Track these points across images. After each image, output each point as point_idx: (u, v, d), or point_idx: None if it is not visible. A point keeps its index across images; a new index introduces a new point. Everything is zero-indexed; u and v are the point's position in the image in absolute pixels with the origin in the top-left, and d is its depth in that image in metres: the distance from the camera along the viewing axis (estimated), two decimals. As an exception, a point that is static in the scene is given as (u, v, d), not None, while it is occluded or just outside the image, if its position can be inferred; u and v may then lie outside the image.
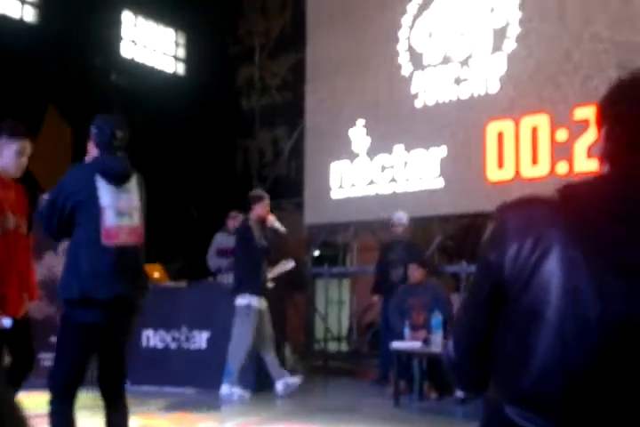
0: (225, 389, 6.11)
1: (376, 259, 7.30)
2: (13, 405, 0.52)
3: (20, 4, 10.55)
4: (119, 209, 3.25)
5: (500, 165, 7.58)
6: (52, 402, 3.15)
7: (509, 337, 1.20)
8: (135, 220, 3.31)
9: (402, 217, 7.06)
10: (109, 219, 3.20)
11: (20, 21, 10.58)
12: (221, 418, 5.39)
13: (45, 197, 3.81)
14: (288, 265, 6.62)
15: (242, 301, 6.20)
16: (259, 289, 6.23)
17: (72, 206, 3.20)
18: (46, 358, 6.31)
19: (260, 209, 6.38)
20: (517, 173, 7.40)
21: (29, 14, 10.69)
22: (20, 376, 3.66)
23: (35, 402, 3.37)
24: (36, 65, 9.95)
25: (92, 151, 3.38)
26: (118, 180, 3.27)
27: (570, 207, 1.19)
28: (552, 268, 1.14)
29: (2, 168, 3.63)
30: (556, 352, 1.13)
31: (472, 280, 1.31)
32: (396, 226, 7.01)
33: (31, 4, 10.66)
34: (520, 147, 7.51)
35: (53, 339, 5.71)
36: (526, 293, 1.16)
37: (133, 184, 3.37)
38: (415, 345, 5.92)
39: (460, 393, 5.56)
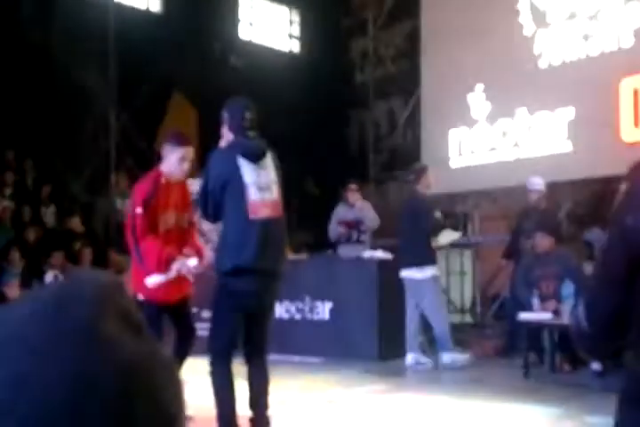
0: (446, 357, 6.07)
1: (498, 228, 6.97)
2: (171, 369, 0.53)
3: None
4: (260, 185, 3.47)
5: (637, 124, 6.97)
6: (213, 363, 3.40)
7: None
8: (274, 194, 3.52)
9: (536, 182, 6.60)
10: (253, 194, 3.43)
11: (147, 12, 10.99)
12: (349, 384, 5.37)
13: (194, 182, 4.31)
14: (455, 235, 6.48)
15: (428, 272, 6.19)
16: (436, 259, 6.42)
17: (220, 187, 3.46)
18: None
19: (429, 179, 6.39)
20: (656, 131, 6.79)
21: (155, 4, 11.07)
22: (183, 349, 3.97)
23: (190, 367, 3.73)
24: (162, 53, 10.31)
25: (227, 135, 3.57)
26: (256, 158, 3.48)
27: None
28: None
29: (168, 172, 3.94)
30: None
31: (605, 247, 1.22)
32: (531, 192, 6.57)
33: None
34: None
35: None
36: None
37: (269, 160, 3.57)
38: (545, 316, 5.60)
39: (596, 366, 5.20)
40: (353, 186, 7.40)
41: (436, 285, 6.37)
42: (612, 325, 1.21)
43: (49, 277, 7.51)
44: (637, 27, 7.27)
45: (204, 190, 3.53)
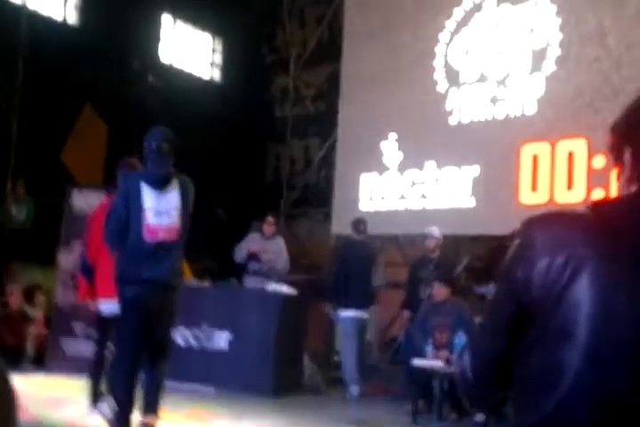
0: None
1: (400, 275, 7.21)
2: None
3: (62, 6, 10.67)
4: (158, 210, 3.90)
5: (534, 188, 7.49)
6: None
7: (535, 357, 1.13)
8: (174, 218, 3.96)
9: (435, 230, 6.95)
10: (150, 218, 3.89)
11: (63, 23, 10.71)
12: (238, 417, 5.33)
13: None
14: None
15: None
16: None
17: (125, 212, 3.95)
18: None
19: None
20: (551, 197, 7.31)
21: (72, 16, 10.81)
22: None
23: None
24: (76, 65, 10.07)
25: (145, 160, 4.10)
26: (158, 185, 3.93)
27: (602, 224, 1.13)
28: (584, 286, 1.09)
29: None
30: (587, 376, 1.07)
31: (493, 298, 1.25)
32: (429, 239, 6.89)
33: (74, 6, 10.78)
34: (555, 171, 7.42)
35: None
36: (556, 311, 1.10)
37: (175, 187, 4.00)
38: (436, 364, 5.82)
39: (479, 417, 5.44)
40: (271, 219, 7.43)
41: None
42: (494, 374, 1.23)
43: None
44: (540, 95, 7.85)
45: (115, 215, 4.03)
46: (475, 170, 8.05)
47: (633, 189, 1.18)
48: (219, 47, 12.65)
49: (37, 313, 7.66)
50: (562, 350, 1.09)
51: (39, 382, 6.27)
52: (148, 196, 3.92)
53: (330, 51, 10.69)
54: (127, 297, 4.02)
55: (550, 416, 1.08)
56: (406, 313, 7.04)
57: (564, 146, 7.43)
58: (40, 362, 7.11)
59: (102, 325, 4.94)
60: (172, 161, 4.06)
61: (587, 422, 1.06)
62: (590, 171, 7.11)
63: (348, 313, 6.82)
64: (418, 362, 5.94)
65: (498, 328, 1.21)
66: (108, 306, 4.57)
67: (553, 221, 1.20)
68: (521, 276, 1.15)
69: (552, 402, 1.08)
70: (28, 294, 7.72)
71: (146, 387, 4.12)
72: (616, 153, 1.25)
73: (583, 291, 1.09)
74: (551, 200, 7.27)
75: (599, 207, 1.20)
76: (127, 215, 3.94)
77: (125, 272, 4.01)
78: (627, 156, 1.22)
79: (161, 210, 3.93)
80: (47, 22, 10.38)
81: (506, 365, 1.19)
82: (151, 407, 4.10)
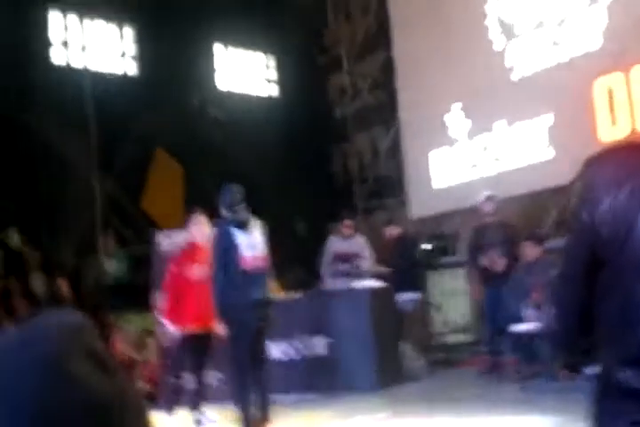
0: None
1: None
2: (141, 409, 0.58)
3: (120, 59, 11.56)
4: (248, 245, 5.15)
5: (613, 122, 7.28)
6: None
7: (614, 297, 1.18)
8: (260, 251, 5.22)
9: (488, 195, 6.92)
10: (244, 251, 5.12)
11: (124, 76, 11.61)
12: (350, 414, 5.60)
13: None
14: None
15: None
16: None
17: (224, 252, 5.17)
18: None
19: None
20: (633, 128, 7.08)
21: (130, 67, 11.69)
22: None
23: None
24: (141, 113, 10.86)
25: (223, 211, 5.30)
26: (243, 226, 5.20)
27: None
28: None
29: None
30: None
31: (566, 245, 1.30)
32: (485, 204, 6.86)
33: (132, 57, 11.65)
34: (633, 99, 7.19)
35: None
36: (627, 246, 1.14)
37: (254, 226, 5.28)
38: (539, 326, 5.77)
39: (590, 369, 5.32)
40: (348, 222, 7.77)
41: None
42: (579, 321, 1.27)
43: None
44: (603, 29, 7.65)
45: (218, 261, 5.22)
46: (548, 119, 7.94)
47: None
48: (272, 63, 13.27)
49: (150, 357, 8.22)
50: (637, 286, 1.13)
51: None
52: (239, 235, 5.17)
53: (379, 39, 10.95)
54: (238, 319, 5.09)
55: (638, 353, 1.12)
56: (472, 286, 7.05)
57: (639, 72, 7.19)
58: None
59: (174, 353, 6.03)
60: (245, 206, 5.30)
61: None
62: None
63: None
64: (517, 328, 5.94)
65: (576, 276, 1.27)
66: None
67: (609, 157, 1.25)
68: (587, 218, 1.19)
69: (637, 340, 1.13)
70: (140, 342, 8.34)
71: (257, 402, 5.14)
72: None
73: None
74: (633, 131, 7.03)
75: None
76: (225, 257, 5.14)
77: (232, 298, 5.08)
78: None
79: (250, 244, 5.17)
80: (109, 79, 11.30)
81: (588, 310, 1.24)
82: (265, 418, 5.11)
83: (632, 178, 1.15)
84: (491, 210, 6.86)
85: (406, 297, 7.37)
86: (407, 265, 7.49)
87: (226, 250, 5.18)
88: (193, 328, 5.71)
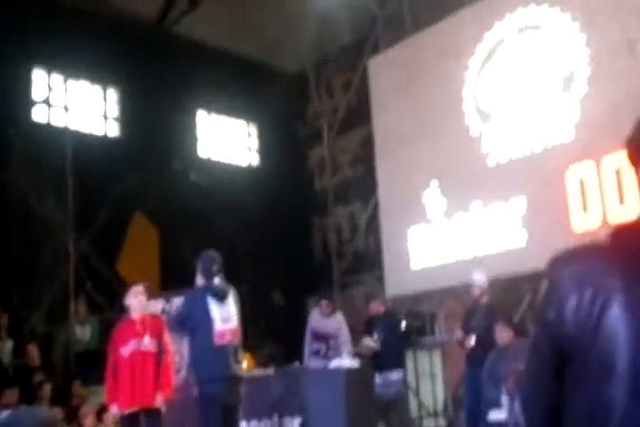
0: None
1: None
2: None
3: (102, 120, 11.70)
4: (223, 317, 5.06)
5: (585, 209, 7.58)
6: None
7: (581, 396, 1.18)
8: (234, 323, 5.15)
9: (477, 278, 7.11)
10: (218, 325, 5.03)
11: (104, 137, 11.70)
12: None
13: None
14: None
15: None
16: None
17: (191, 322, 5.13)
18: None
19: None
20: (604, 218, 7.36)
21: (112, 129, 11.81)
22: None
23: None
24: (121, 175, 10.93)
25: (199, 278, 5.27)
26: (221, 298, 5.13)
27: (625, 251, 1.19)
28: (617, 317, 1.14)
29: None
30: (635, 405, 1.11)
31: (532, 342, 1.30)
32: (473, 287, 7.06)
33: (114, 118, 11.81)
34: (604, 190, 7.50)
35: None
36: (594, 346, 1.15)
37: (231, 298, 5.22)
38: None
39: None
40: (324, 302, 7.57)
41: None
42: (546, 419, 1.26)
43: (2, 416, 7.59)
44: (576, 120, 8.02)
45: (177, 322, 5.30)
46: (522, 203, 8.22)
47: None
48: (253, 131, 13.52)
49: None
50: (605, 387, 1.13)
51: None
52: (214, 307, 5.09)
53: (360, 114, 11.31)
54: (211, 394, 4.99)
55: None
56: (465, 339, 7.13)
57: (610, 161, 7.51)
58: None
59: None
60: (223, 275, 5.30)
61: None
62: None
63: None
64: (495, 415, 5.98)
65: (541, 373, 1.25)
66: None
67: (576, 256, 1.25)
68: (554, 317, 1.20)
69: None
70: (99, 415, 8.14)
71: None
72: (634, 166, 1.30)
73: (616, 321, 1.13)
74: (605, 221, 7.30)
75: (619, 233, 1.24)
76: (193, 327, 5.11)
77: (204, 373, 5.01)
78: None
79: (224, 317, 5.11)
80: (90, 139, 11.36)
81: (556, 408, 1.23)
82: None
83: (595, 279, 1.18)
84: (479, 294, 7.03)
85: (393, 377, 7.33)
86: (394, 342, 7.47)
87: (197, 321, 5.09)
88: (130, 407, 5.49)
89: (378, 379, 7.34)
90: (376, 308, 7.75)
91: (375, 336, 7.37)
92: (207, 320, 5.06)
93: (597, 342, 1.14)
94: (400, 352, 7.62)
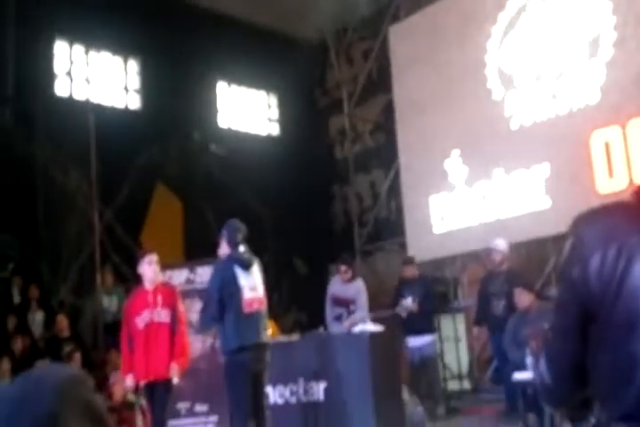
0: None
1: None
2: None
3: (124, 93, 11.74)
4: (250, 286, 5.16)
5: (611, 174, 7.50)
6: None
7: (606, 353, 1.21)
8: (260, 292, 5.27)
9: (499, 244, 7.10)
10: (246, 294, 5.13)
11: (126, 109, 11.76)
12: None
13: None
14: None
15: None
16: None
17: (220, 291, 5.13)
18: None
19: None
20: (631, 181, 7.29)
21: (133, 101, 11.85)
22: None
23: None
24: (143, 147, 11.00)
25: (224, 248, 5.31)
26: (247, 267, 5.21)
27: None
28: None
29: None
30: None
31: (557, 300, 1.33)
32: (494, 253, 7.05)
33: (134, 91, 11.84)
34: (630, 153, 7.42)
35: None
36: (618, 303, 1.18)
37: (256, 267, 5.32)
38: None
39: (592, 420, 5.41)
40: (343, 267, 7.54)
41: None
42: (573, 376, 1.29)
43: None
44: (601, 83, 7.92)
45: (211, 297, 5.15)
46: (545, 169, 8.15)
47: None
48: (274, 102, 13.50)
49: (143, 400, 8.12)
50: (629, 343, 1.17)
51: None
52: (241, 276, 5.17)
53: (380, 83, 11.24)
54: (240, 362, 5.07)
55: (633, 407, 1.16)
56: (476, 330, 7.16)
57: (636, 125, 7.43)
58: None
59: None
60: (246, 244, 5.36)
61: None
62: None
63: None
64: (519, 376, 6.00)
65: (567, 331, 1.29)
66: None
67: (599, 215, 1.29)
68: (577, 275, 1.23)
69: (632, 394, 1.17)
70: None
71: None
72: None
73: None
74: (631, 184, 7.23)
75: None
76: (222, 296, 5.11)
77: (233, 341, 5.07)
78: None
79: (251, 286, 5.20)
80: (111, 111, 11.41)
81: (581, 365, 1.27)
82: None
83: (619, 236, 1.20)
84: (499, 260, 7.02)
85: (427, 340, 7.45)
86: (429, 307, 7.56)
87: (226, 290, 5.13)
88: (145, 378, 5.46)
89: (413, 341, 7.40)
90: (411, 271, 7.72)
91: (410, 299, 7.38)
92: (236, 289, 5.12)
93: (621, 298, 1.17)
94: (432, 317, 7.68)
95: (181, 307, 5.67)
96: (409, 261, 7.94)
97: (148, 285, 5.59)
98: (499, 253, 7.02)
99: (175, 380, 5.49)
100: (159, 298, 5.55)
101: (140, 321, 5.49)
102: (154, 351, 5.42)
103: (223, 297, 5.13)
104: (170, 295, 5.62)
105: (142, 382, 5.48)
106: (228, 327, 5.12)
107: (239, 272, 5.17)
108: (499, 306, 6.83)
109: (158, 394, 5.43)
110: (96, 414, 0.57)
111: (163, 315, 5.51)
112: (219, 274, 5.24)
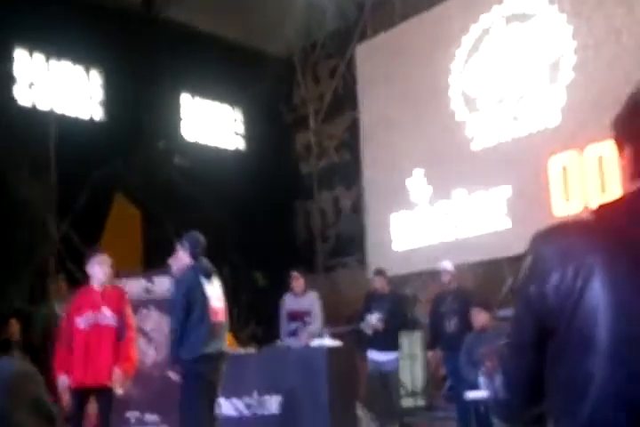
0: None
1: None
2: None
3: (87, 104, 11.61)
4: (217, 296, 5.20)
5: (567, 198, 7.69)
6: None
7: (562, 369, 1.21)
8: (223, 302, 5.29)
9: (446, 265, 7.24)
10: (214, 303, 5.16)
11: (90, 121, 11.59)
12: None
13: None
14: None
15: None
16: None
17: (188, 299, 5.09)
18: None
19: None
20: (586, 205, 7.47)
21: (97, 112, 11.72)
22: None
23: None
24: (106, 158, 10.86)
25: (185, 258, 5.28)
26: (209, 276, 5.24)
27: (607, 228, 1.21)
28: (598, 291, 1.17)
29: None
30: (614, 376, 1.14)
31: (514, 316, 1.32)
32: (443, 274, 7.19)
33: (99, 102, 11.72)
34: (587, 177, 7.61)
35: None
36: (575, 320, 1.18)
37: (216, 279, 5.32)
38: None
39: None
40: (294, 273, 7.68)
41: None
42: (528, 391, 1.29)
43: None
44: (561, 106, 8.14)
45: (179, 305, 5.10)
46: (506, 191, 8.31)
47: (635, 186, 1.25)
48: (239, 116, 13.48)
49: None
50: (585, 359, 1.16)
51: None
52: (207, 286, 5.18)
53: (346, 100, 11.36)
54: (199, 371, 5.03)
55: (586, 425, 1.15)
56: (430, 354, 7.25)
57: (593, 151, 7.63)
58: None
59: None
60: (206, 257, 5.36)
61: (622, 426, 1.13)
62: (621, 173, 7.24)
63: None
64: (472, 395, 6.06)
65: (523, 345, 1.28)
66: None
67: (558, 233, 1.27)
68: (535, 291, 1.23)
69: (586, 411, 1.16)
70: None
71: None
72: (619, 148, 1.31)
73: (597, 296, 1.17)
74: (586, 208, 7.42)
75: (601, 211, 1.25)
76: (189, 303, 5.08)
77: (198, 349, 5.03)
78: (627, 151, 1.29)
79: (216, 296, 5.22)
80: (75, 122, 11.24)
81: (537, 380, 1.26)
82: None
83: (577, 256, 1.20)
84: (448, 280, 7.15)
85: (388, 357, 7.37)
86: (396, 324, 7.43)
87: (192, 298, 5.10)
88: (81, 384, 5.01)
89: (375, 356, 7.40)
90: (381, 283, 7.59)
91: (376, 315, 7.34)
92: (203, 298, 5.12)
93: (578, 315, 1.18)
94: (397, 334, 7.64)
95: (129, 311, 5.32)
96: (379, 272, 7.73)
97: (95, 285, 5.22)
98: (447, 274, 7.17)
99: (117, 388, 5.05)
100: (106, 299, 5.18)
101: (82, 322, 5.08)
102: (94, 356, 5.02)
103: (190, 304, 5.10)
104: (118, 299, 5.28)
105: (74, 387, 4.98)
106: (193, 335, 5.07)
107: (205, 282, 5.18)
108: (450, 324, 6.93)
109: (102, 402, 5.05)
110: (46, 411, 0.57)
111: (109, 318, 5.14)
112: (185, 282, 5.21)
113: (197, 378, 5.06)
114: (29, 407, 0.56)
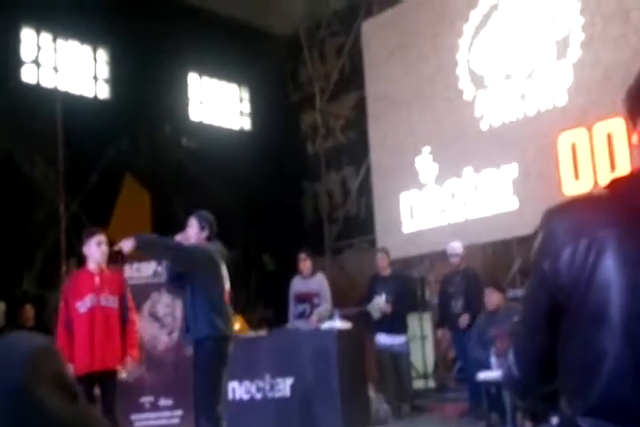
0: None
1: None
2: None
3: (93, 82, 11.56)
4: (226, 277, 5.04)
5: (577, 176, 7.62)
6: None
7: (574, 346, 1.21)
8: (228, 284, 5.11)
9: (456, 247, 7.25)
10: (227, 285, 5.05)
11: (95, 99, 11.56)
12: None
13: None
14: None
15: None
16: None
17: (208, 265, 4.94)
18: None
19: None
20: (596, 183, 7.41)
21: (102, 91, 11.67)
22: None
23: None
24: (112, 138, 10.85)
25: (196, 235, 5.03)
26: (224, 257, 5.10)
27: (619, 202, 1.21)
28: (610, 267, 1.16)
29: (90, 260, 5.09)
30: (626, 354, 1.13)
31: (526, 293, 1.32)
32: (452, 256, 7.20)
33: (104, 80, 11.66)
34: (596, 155, 7.54)
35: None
36: (588, 296, 1.18)
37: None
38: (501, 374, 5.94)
39: (555, 420, 5.51)
40: (302, 255, 7.71)
41: None
42: (541, 368, 1.29)
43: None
44: (569, 84, 8.04)
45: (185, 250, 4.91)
46: (513, 169, 8.25)
47: None
48: (246, 95, 13.41)
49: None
50: (598, 336, 1.16)
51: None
52: (223, 267, 5.04)
53: (353, 79, 11.25)
54: (223, 353, 4.94)
55: (599, 402, 1.15)
56: (440, 332, 7.28)
57: (602, 128, 7.54)
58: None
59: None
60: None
61: (635, 403, 1.13)
62: (632, 149, 7.17)
63: None
64: (483, 375, 6.09)
65: (536, 323, 1.29)
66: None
67: (570, 208, 1.27)
68: (548, 267, 1.23)
69: (598, 388, 1.15)
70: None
71: None
72: (632, 123, 1.30)
73: (610, 271, 1.16)
74: (596, 186, 7.36)
75: (615, 185, 1.25)
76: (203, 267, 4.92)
77: (223, 330, 4.92)
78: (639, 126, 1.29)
79: (226, 276, 5.08)
80: (80, 100, 11.21)
81: (550, 358, 1.26)
82: None
83: (589, 230, 1.20)
84: (457, 261, 7.15)
85: (398, 340, 7.44)
86: (403, 306, 7.48)
87: (216, 274, 4.95)
88: (89, 369, 4.83)
89: (384, 339, 7.44)
90: (383, 261, 7.65)
91: (384, 297, 7.37)
92: (220, 277, 4.96)
93: (591, 291, 1.17)
94: (405, 317, 7.67)
95: (129, 294, 5.19)
96: (382, 250, 7.87)
97: (92, 267, 5.01)
98: (455, 257, 7.19)
99: (124, 374, 5.02)
100: (105, 282, 5.00)
101: (82, 306, 4.90)
102: (101, 339, 4.86)
103: (204, 282, 4.88)
104: (118, 280, 5.16)
105: (80, 374, 4.70)
106: (217, 315, 4.88)
107: (221, 263, 5.03)
108: (457, 305, 6.98)
109: (108, 387, 4.91)
110: (66, 386, 0.56)
111: (110, 300, 4.99)
112: (211, 251, 4.97)
113: (224, 358, 4.93)
114: (52, 383, 0.55)
